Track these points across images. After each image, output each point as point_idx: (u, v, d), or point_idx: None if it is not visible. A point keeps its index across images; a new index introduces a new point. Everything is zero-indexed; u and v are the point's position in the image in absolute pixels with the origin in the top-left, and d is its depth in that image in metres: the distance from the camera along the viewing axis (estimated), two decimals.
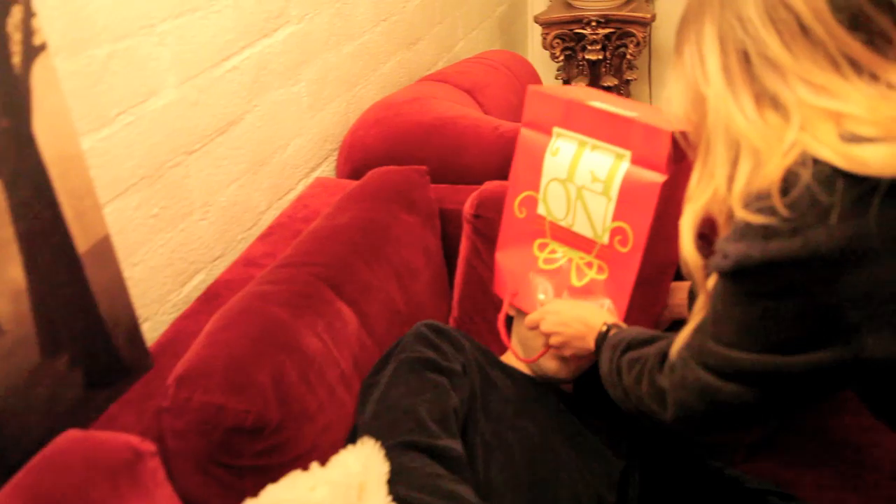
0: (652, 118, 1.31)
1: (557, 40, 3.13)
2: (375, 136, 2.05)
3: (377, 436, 1.27)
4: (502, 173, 1.94)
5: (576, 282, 1.44)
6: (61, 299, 1.23)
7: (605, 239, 1.39)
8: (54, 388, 1.22)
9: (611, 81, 3.18)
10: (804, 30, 0.88)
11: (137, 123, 1.43)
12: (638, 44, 3.08)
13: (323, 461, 1.25)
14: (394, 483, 1.19)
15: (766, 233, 0.85)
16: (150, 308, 1.54)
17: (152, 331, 1.55)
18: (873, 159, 0.80)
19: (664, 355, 1.08)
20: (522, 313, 1.53)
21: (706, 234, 0.97)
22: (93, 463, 1.10)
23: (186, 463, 1.25)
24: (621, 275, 1.38)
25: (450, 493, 1.20)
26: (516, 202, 1.52)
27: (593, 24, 3.04)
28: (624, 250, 1.37)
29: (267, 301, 1.39)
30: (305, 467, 1.23)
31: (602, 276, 1.41)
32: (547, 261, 1.49)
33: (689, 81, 0.99)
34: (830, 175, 0.83)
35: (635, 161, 1.33)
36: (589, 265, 1.43)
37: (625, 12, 3.03)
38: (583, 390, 1.56)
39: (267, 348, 1.30)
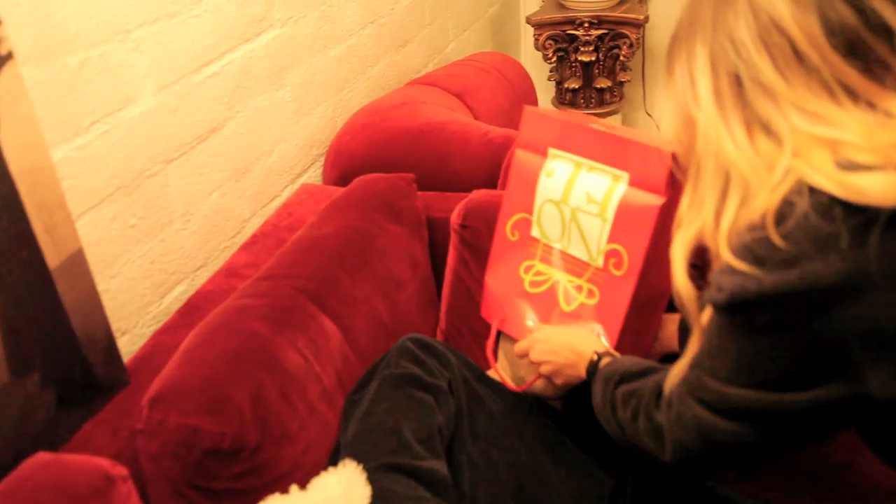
0: (650, 141, 1.28)
1: (550, 41, 3.09)
2: (362, 142, 2.01)
3: (359, 457, 1.23)
4: (491, 180, 1.91)
5: (564, 306, 1.41)
6: (31, 316, 1.18)
7: (600, 262, 1.35)
8: (24, 408, 1.18)
9: (604, 83, 3.13)
10: (798, 55, 0.85)
11: (113, 132, 1.39)
12: (631, 45, 3.04)
13: (304, 482, 1.21)
14: None
15: (761, 264, 0.81)
16: (129, 321, 1.50)
17: (131, 344, 1.50)
18: (872, 188, 0.76)
19: (660, 390, 1.04)
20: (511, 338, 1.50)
21: (700, 265, 0.93)
22: (62, 489, 1.06)
23: (161, 486, 1.21)
24: (614, 299, 1.34)
25: None
26: (509, 224, 1.49)
27: (586, 25, 3.00)
28: (618, 273, 1.33)
29: (246, 316, 1.35)
30: (285, 489, 1.20)
31: (592, 301, 1.37)
32: (533, 283, 1.45)
33: (679, 103, 0.95)
34: (828, 204, 0.79)
35: (633, 183, 1.29)
36: (578, 289, 1.39)
37: (618, 13, 2.99)
38: (572, 406, 1.52)
39: (245, 366, 1.26)
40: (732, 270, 0.84)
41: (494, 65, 2.58)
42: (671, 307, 1.45)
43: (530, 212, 1.45)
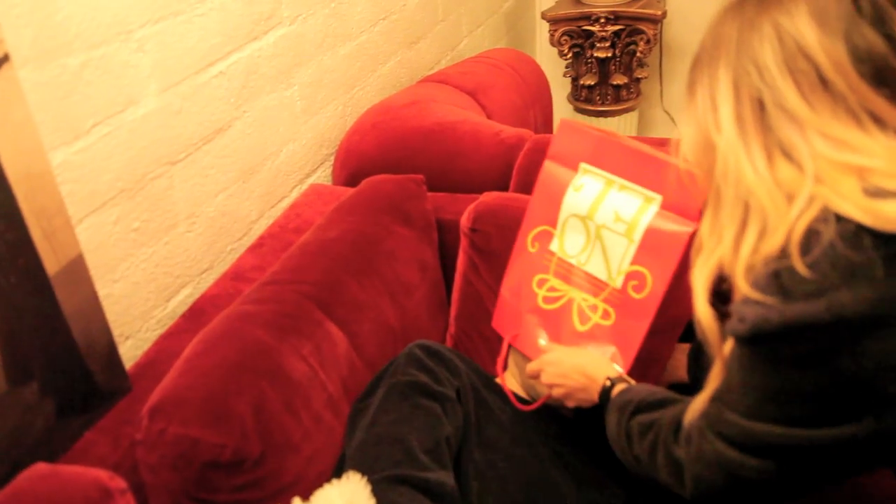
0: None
1: (566, 37, 3.04)
2: (372, 142, 1.97)
3: (364, 468, 1.20)
4: (503, 181, 1.87)
5: (579, 326, 1.37)
6: (30, 324, 1.16)
7: (618, 282, 1.31)
8: (22, 418, 1.16)
9: (620, 80, 3.09)
10: (824, 82, 0.82)
11: (115, 134, 1.36)
12: (648, 41, 2.99)
13: (309, 492, 1.18)
14: None
15: (785, 294, 0.78)
16: (133, 325, 1.48)
17: (135, 349, 1.48)
18: None
19: (679, 423, 1.00)
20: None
21: (722, 292, 0.89)
22: (59, 502, 1.03)
23: (162, 497, 1.18)
24: (632, 322, 1.30)
25: None
26: (530, 236, 1.45)
27: (602, 20, 2.95)
28: (638, 297, 1.29)
29: (250, 323, 1.32)
30: (288, 501, 1.17)
31: (607, 322, 1.33)
32: (547, 299, 1.41)
33: (699, 126, 0.92)
34: (855, 232, 0.76)
35: (666, 206, 1.26)
36: (593, 308, 1.35)
37: (635, 9, 2.94)
38: (583, 416, 1.49)
39: (248, 375, 1.24)
40: (755, 301, 0.81)
41: (508, 62, 2.54)
42: (684, 335, 1.41)
43: (554, 225, 1.41)
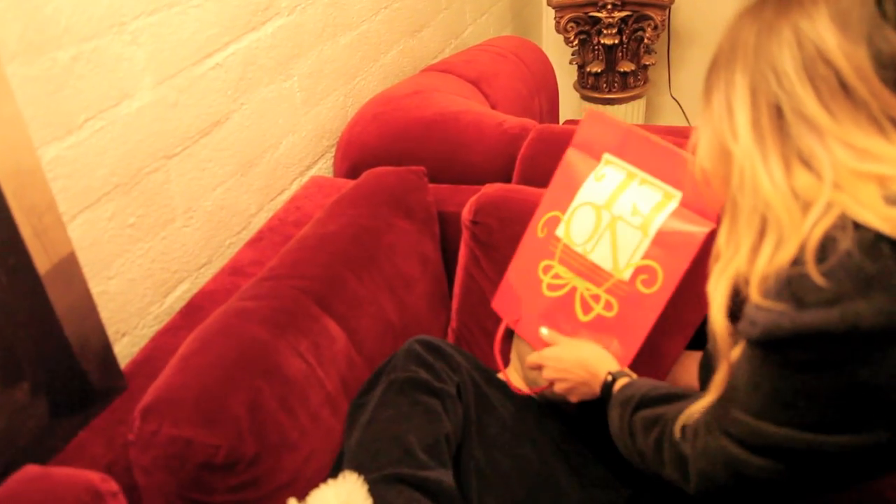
0: None
1: (572, 24, 3.00)
2: (373, 133, 1.95)
3: (361, 467, 1.19)
4: (506, 172, 1.84)
5: (581, 316, 1.35)
6: (20, 323, 1.14)
7: (626, 275, 1.29)
8: (13, 418, 1.14)
9: (627, 67, 3.04)
10: (845, 88, 0.79)
11: (109, 129, 1.34)
12: (656, 27, 2.94)
13: (306, 491, 1.17)
14: None
15: (798, 301, 0.76)
16: (129, 322, 1.46)
17: (132, 345, 1.46)
18: None
19: (685, 419, 0.99)
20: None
21: (738, 302, 0.87)
22: None
23: (156, 498, 1.17)
24: (638, 315, 1.28)
25: None
26: (542, 221, 1.44)
27: (609, 6, 2.90)
28: (647, 291, 1.27)
29: (246, 320, 1.30)
30: (284, 501, 1.15)
31: (610, 314, 1.31)
32: (551, 286, 1.39)
33: (715, 133, 0.89)
34: (874, 241, 0.73)
35: (686, 204, 1.26)
36: (595, 298, 1.33)
37: None
38: (586, 411, 1.46)
39: (243, 374, 1.22)
40: (767, 307, 0.78)
41: (512, 49, 2.50)
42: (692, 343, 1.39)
43: (564, 210, 1.40)
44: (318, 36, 1.90)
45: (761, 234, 0.82)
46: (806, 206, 0.79)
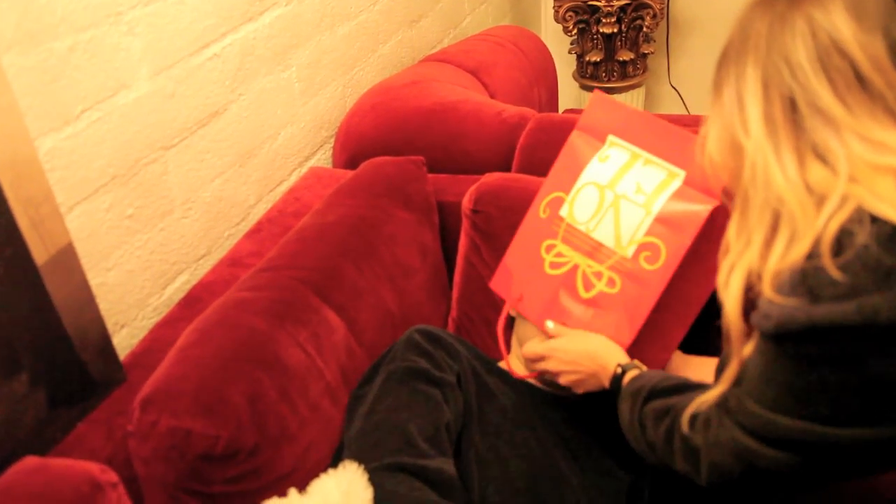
0: None
1: (570, 13, 2.99)
2: (371, 123, 1.94)
3: (362, 456, 1.19)
4: (505, 162, 1.84)
5: (583, 293, 1.34)
6: (18, 315, 1.14)
7: (629, 252, 1.29)
8: (12, 410, 1.14)
9: (626, 55, 3.04)
10: (861, 80, 0.78)
11: (106, 119, 1.33)
12: (655, 16, 2.93)
13: (306, 481, 1.16)
14: None
15: (813, 294, 0.75)
16: (128, 314, 1.45)
17: (131, 337, 1.46)
18: None
19: (696, 409, 0.97)
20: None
21: (750, 298, 0.86)
22: (47, 497, 1.01)
23: (156, 489, 1.16)
24: (641, 292, 1.28)
25: None
26: (544, 202, 1.44)
27: None
28: (650, 268, 1.27)
29: (244, 310, 1.30)
30: (284, 491, 1.15)
31: (613, 290, 1.31)
32: (553, 265, 1.39)
33: (726, 127, 0.87)
34: (892, 235, 0.72)
35: (689, 182, 1.26)
36: (598, 275, 1.33)
37: None
38: (589, 398, 1.46)
39: (242, 365, 1.21)
40: (781, 301, 0.78)
41: (511, 39, 2.49)
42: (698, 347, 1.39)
43: (567, 191, 1.40)
44: (316, 26, 1.89)
45: (774, 228, 0.81)
46: (820, 201, 0.78)
